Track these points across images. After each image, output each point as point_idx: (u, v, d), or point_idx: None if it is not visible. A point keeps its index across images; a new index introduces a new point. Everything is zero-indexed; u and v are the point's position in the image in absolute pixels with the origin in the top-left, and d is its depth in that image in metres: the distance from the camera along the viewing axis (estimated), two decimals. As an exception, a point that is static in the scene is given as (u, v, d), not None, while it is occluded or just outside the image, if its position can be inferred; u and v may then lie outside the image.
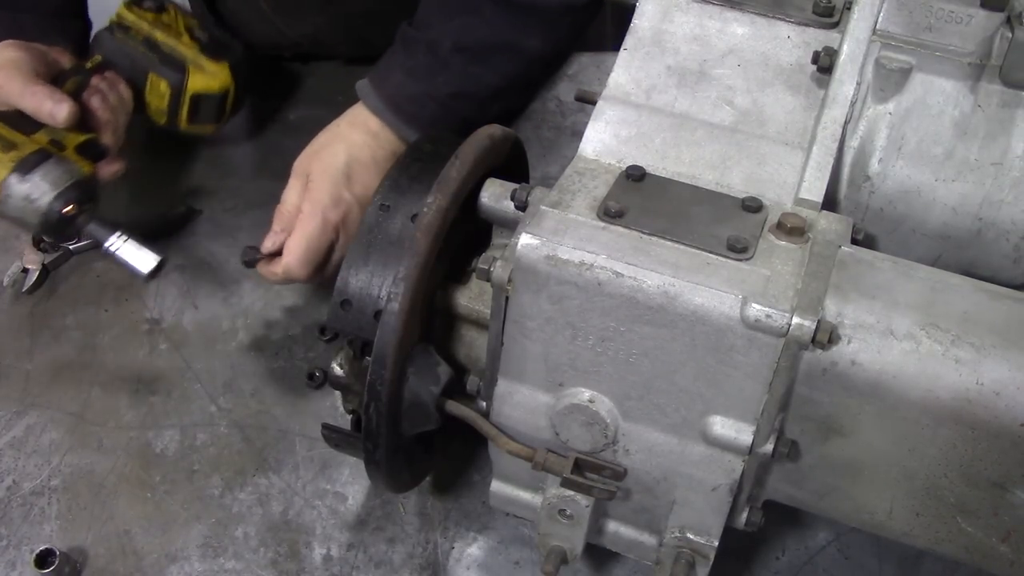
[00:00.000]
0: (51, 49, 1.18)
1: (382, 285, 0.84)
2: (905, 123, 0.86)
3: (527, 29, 1.03)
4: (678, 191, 0.81)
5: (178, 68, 1.23)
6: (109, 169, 1.15)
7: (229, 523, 1.04)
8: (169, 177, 1.37)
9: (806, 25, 0.88)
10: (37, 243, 1.24)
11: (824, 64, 0.85)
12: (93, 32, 1.28)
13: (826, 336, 0.70)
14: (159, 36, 1.23)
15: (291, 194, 1.12)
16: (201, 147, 1.41)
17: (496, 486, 0.89)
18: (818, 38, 0.88)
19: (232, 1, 1.46)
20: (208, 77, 1.24)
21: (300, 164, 1.13)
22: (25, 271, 1.23)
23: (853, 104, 0.85)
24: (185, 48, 1.24)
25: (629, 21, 0.89)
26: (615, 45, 0.91)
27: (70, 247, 1.24)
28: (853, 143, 0.87)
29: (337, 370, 0.98)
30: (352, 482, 1.07)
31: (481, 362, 0.88)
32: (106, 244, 1.06)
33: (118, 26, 1.24)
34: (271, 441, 1.11)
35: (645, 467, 0.80)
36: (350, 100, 1.18)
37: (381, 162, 1.13)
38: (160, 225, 1.28)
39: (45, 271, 1.23)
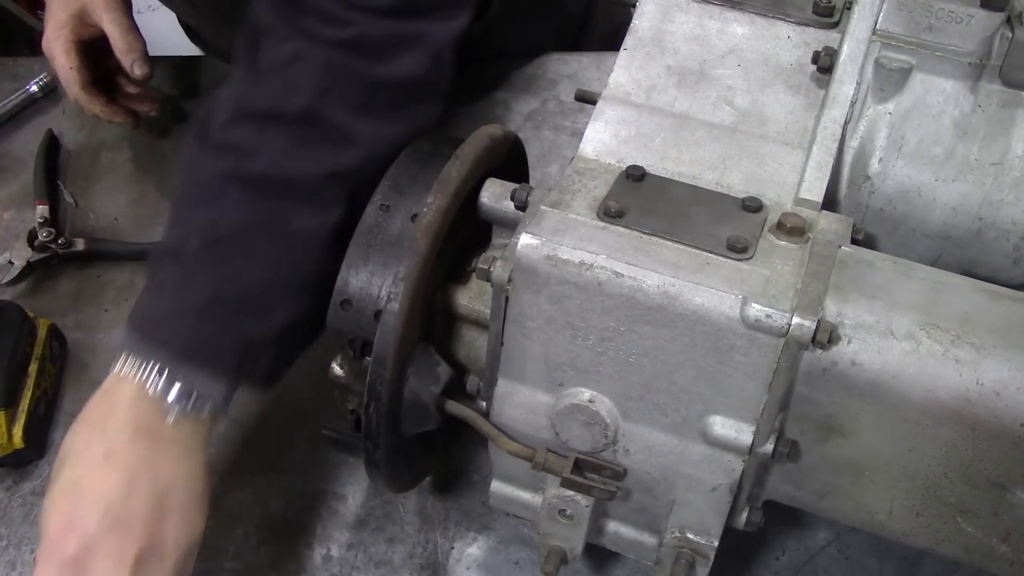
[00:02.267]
0: None
1: (382, 285, 0.83)
2: (905, 123, 0.86)
3: (289, 206, 0.85)
4: (678, 191, 0.81)
5: None
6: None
7: (229, 523, 1.04)
8: (168, 176, 1.37)
9: (806, 25, 0.88)
10: (31, 240, 1.25)
11: (824, 64, 0.85)
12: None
13: (826, 336, 0.70)
14: None
15: None
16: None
17: (496, 486, 0.89)
18: (818, 38, 0.88)
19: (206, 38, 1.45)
20: None
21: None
22: (11, 263, 1.24)
23: (853, 104, 0.85)
24: None
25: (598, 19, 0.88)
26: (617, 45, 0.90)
27: (59, 251, 1.25)
28: (853, 143, 0.87)
29: (337, 370, 0.97)
30: (352, 482, 1.07)
31: (481, 362, 0.88)
32: None
33: None
34: (271, 441, 1.11)
35: (645, 467, 0.80)
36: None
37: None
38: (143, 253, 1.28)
39: (29, 267, 1.24)
